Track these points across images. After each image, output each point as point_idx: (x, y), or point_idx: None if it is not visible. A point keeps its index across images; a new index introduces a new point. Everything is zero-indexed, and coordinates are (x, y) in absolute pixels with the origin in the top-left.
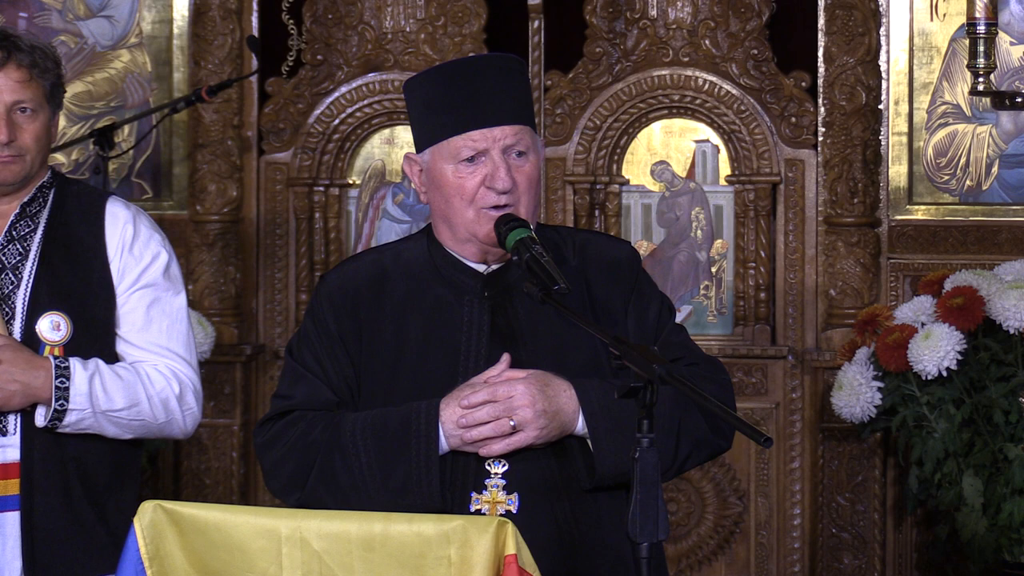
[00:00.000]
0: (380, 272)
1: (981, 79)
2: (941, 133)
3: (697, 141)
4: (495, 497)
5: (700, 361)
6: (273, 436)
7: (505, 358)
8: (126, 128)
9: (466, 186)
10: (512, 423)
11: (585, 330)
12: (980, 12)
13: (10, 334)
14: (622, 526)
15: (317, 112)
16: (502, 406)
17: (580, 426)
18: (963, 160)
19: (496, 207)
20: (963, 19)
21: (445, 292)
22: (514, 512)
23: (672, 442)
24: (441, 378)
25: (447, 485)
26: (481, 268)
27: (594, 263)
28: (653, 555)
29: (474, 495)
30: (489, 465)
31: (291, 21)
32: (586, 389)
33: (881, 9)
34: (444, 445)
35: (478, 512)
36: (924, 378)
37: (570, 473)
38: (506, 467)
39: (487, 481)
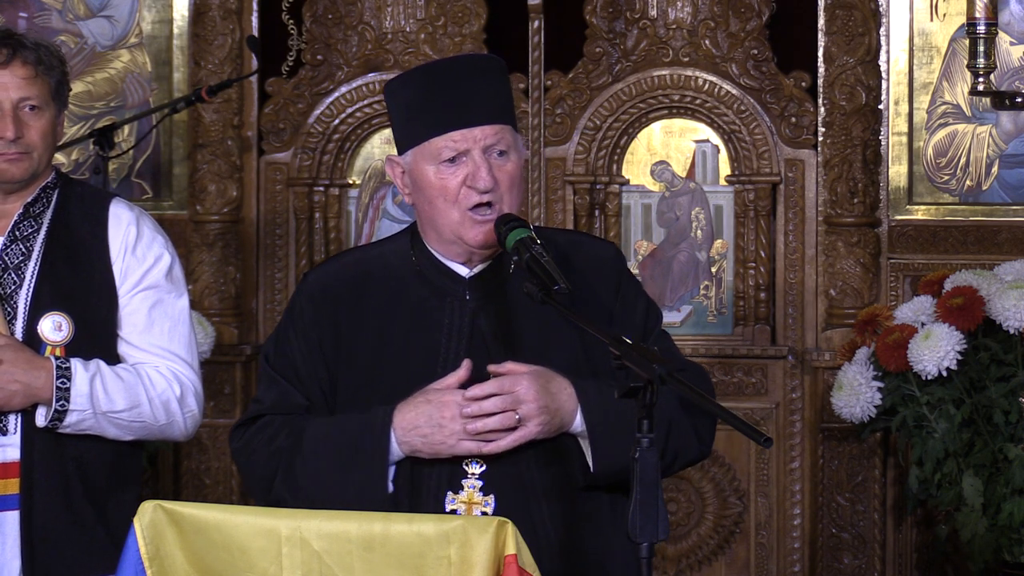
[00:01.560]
0: (362, 273)
1: (981, 79)
2: (941, 133)
3: (697, 141)
4: (471, 498)
5: (686, 368)
6: (244, 442)
7: (466, 364)
8: (126, 128)
9: (448, 186)
10: (518, 417)
11: (571, 333)
12: (980, 12)
13: (12, 334)
14: (603, 530)
15: (317, 112)
16: (509, 399)
17: (578, 423)
18: (963, 160)
19: (479, 206)
20: (963, 19)
21: (427, 294)
22: (490, 513)
23: (660, 446)
24: (419, 381)
25: (405, 491)
26: (464, 271)
27: (578, 264)
28: (652, 555)
29: (450, 495)
30: (466, 465)
31: (291, 21)
32: (585, 388)
33: (881, 9)
34: (397, 451)
35: (453, 512)
36: (924, 378)
37: (550, 475)
38: (483, 468)
39: (464, 481)
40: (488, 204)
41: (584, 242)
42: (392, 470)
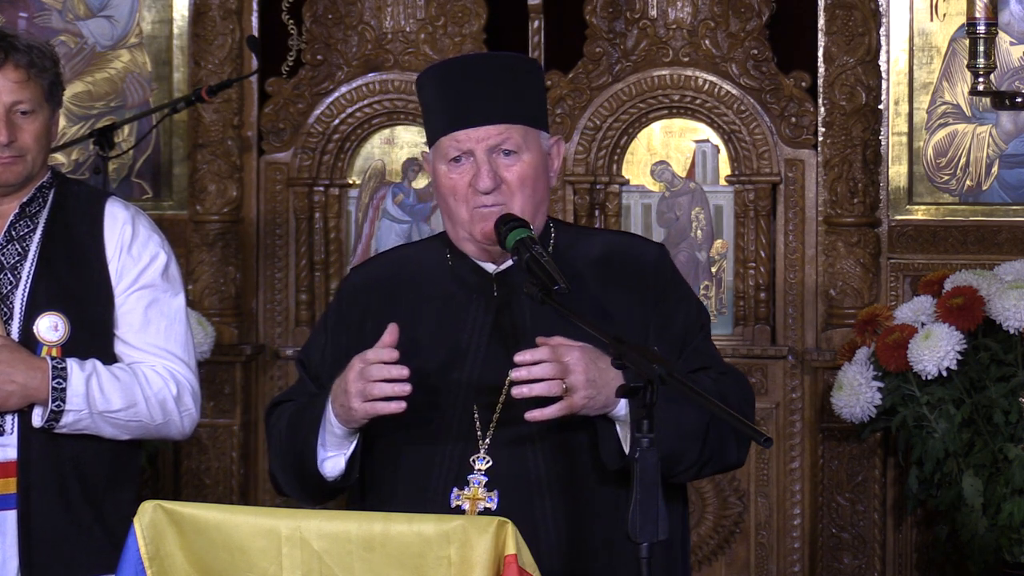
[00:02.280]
0: (398, 270)
1: (981, 79)
2: (941, 133)
3: (697, 141)
4: (475, 494)
5: (727, 372)
6: (267, 427)
7: (391, 328)
8: (126, 128)
9: (457, 187)
10: (564, 385)
11: (587, 331)
12: (980, 12)
13: (8, 334)
14: (613, 528)
15: (317, 112)
16: (558, 367)
17: (621, 405)
18: (963, 160)
19: (484, 206)
20: (963, 19)
21: (457, 290)
22: (493, 509)
23: (698, 443)
24: (441, 376)
25: (357, 468)
26: (491, 268)
27: (616, 267)
28: (654, 555)
29: (456, 491)
30: (473, 461)
31: (291, 21)
32: (629, 372)
33: (881, 9)
34: (335, 423)
35: (458, 508)
36: (924, 378)
37: (556, 471)
38: (490, 463)
39: (470, 477)
40: (494, 205)
41: (625, 243)
42: (353, 444)
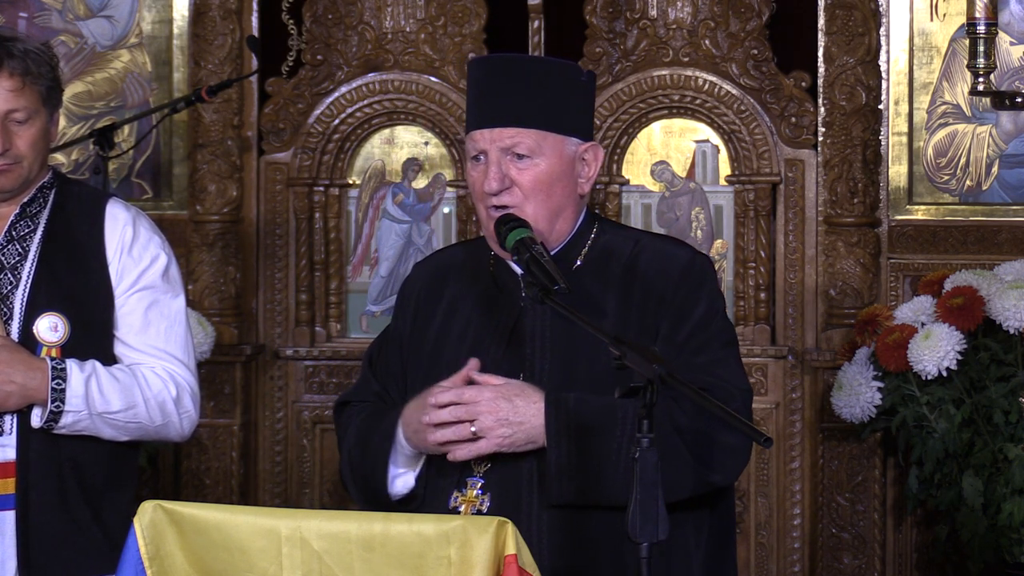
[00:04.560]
0: (448, 267)
1: (981, 79)
2: (941, 133)
3: (697, 141)
4: (471, 496)
5: (711, 388)
6: (338, 430)
7: (472, 362)
8: (126, 128)
9: (475, 185)
10: (473, 429)
11: (587, 330)
12: (980, 12)
13: (8, 334)
14: (600, 535)
15: (317, 112)
16: (464, 409)
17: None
18: (963, 160)
19: (495, 207)
20: (963, 19)
21: (492, 290)
22: (484, 512)
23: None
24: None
25: (422, 485)
26: (519, 269)
27: (642, 271)
28: (654, 555)
29: (454, 492)
30: (475, 464)
31: (291, 21)
32: (560, 406)
33: (881, 9)
34: (406, 447)
35: (455, 509)
36: (924, 378)
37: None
38: (488, 466)
39: (469, 480)
40: (504, 207)
41: (660, 248)
42: (422, 462)
